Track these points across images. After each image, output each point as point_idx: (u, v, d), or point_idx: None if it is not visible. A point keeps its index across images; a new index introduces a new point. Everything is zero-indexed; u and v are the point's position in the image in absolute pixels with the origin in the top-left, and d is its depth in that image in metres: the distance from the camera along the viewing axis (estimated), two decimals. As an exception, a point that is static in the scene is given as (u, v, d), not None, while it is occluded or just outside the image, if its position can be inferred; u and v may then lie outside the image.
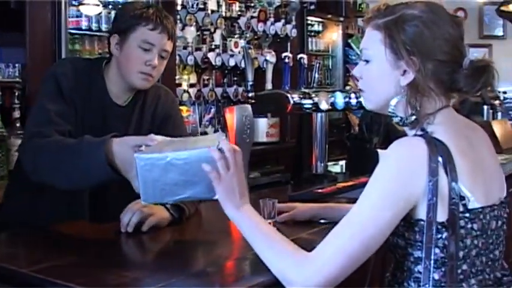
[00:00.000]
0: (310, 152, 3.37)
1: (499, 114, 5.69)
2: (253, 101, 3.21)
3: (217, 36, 5.46)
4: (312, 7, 6.29)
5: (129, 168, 1.98)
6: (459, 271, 1.61)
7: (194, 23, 5.14)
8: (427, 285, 1.60)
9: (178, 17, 4.96)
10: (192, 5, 5.11)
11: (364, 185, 3.14)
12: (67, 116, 2.31)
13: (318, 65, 4.17)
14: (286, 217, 2.24)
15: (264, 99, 3.25)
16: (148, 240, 2.12)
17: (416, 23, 1.67)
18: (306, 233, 2.14)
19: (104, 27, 4.43)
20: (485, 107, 5.35)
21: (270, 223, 2.12)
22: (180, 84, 5.18)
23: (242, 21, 5.64)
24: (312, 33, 6.91)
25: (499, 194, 1.72)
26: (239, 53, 5.51)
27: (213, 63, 5.37)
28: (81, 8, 4.34)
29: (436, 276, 1.60)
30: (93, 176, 2.05)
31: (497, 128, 4.34)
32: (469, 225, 1.61)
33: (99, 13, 4.43)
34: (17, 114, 3.80)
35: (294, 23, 5.98)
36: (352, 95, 3.45)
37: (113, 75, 2.45)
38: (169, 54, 2.46)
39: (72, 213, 2.36)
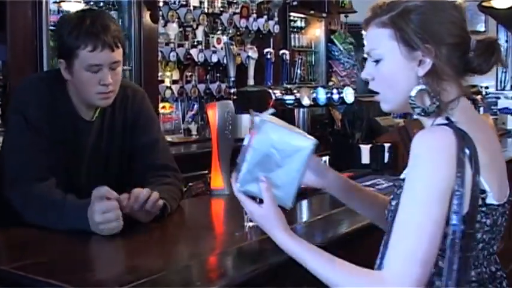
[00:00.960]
0: (292, 147, 3.37)
1: (481, 109, 5.72)
2: (235, 97, 3.22)
3: (199, 33, 5.46)
4: (295, 3, 6.30)
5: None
6: None
7: (176, 20, 5.14)
8: (448, 281, 1.59)
9: (160, 13, 4.96)
10: (174, 2, 5.10)
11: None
12: (42, 147, 2.30)
13: (300, 60, 4.18)
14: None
15: (245, 95, 3.25)
16: (130, 237, 2.11)
17: (422, 11, 1.65)
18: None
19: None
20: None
21: (250, 227, 2.12)
22: (162, 81, 5.18)
23: (224, 17, 5.64)
24: (295, 29, 6.91)
25: (507, 191, 1.71)
26: (222, 49, 5.51)
27: (196, 59, 5.37)
28: (62, 4, 4.33)
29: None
30: (78, 229, 2.08)
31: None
32: (484, 220, 1.61)
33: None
34: (-2, 110, 3.79)
35: (276, 19, 5.99)
36: (334, 91, 3.46)
37: (73, 95, 2.39)
38: (121, 61, 2.38)
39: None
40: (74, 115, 2.41)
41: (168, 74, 5.29)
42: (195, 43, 5.44)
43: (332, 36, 7.22)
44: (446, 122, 1.62)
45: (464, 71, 1.69)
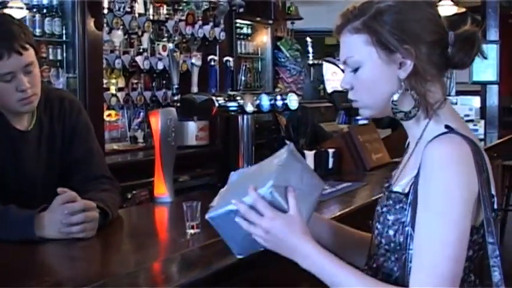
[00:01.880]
0: (237, 154, 3.38)
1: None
2: (178, 105, 3.22)
3: (145, 40, 5.43)
4: (241, 10, 6.29)
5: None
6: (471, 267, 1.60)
7: (121, 27, 5.10)
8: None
9: (105, 20, 4.92)
10: (119, 8, 5.06)
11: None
12: None
13: (244, 67, 4.19)
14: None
15: (189, 102, 3.25)
16: (73, 245, 2.10)
17: (395, 11, 1.59)
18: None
19: (28, 31, 4.36)
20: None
21: (193, 226, 2.14)
22: (108, 89, 5.13)
23: (170, 24, 5.62)
24: (241, 36, 6.93)
25: None
26: (167, 56, 5.49)
27: (141, 66, 5.34)
28: (5, 11, 4.26)
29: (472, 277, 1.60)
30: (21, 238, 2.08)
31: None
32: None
33: (23, 17, 4.35)
34: None
35: (222, 26, 5.98)
36: (278, 97, 3.48)
37: (1, 107, 2.36)
38: (35, 61, 2.31)
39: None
40: (6, 125, 2.37)
41: (113, 81, 5.25)
42: (141, 50, 5.41)
43: (278, 43, 7.26)
44: (446, 130, 1.57)
45: (445, 67, 1.64)
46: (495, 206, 1.57)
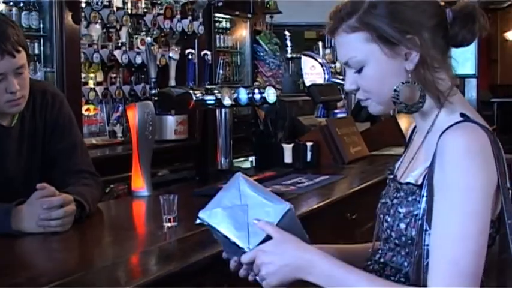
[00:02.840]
0: (215, 148, 3.39)
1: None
2: (156, 98, 3.22)
3: (123, 34, 5.42)
4: (220, 4, 6.30)
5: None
6: None
7: (99, 20, 5.09)
8: None
9: (82, 14, 4.90)
10: (97, 2, 5.03)
11: (268, 178, 3.19)
12: None
13: (222, 61, 4.20)
14: None
15: (166, 96, 3.25)
16: (50, 239, 2.10)
17: (389, 1, 1.51)
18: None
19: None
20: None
21: (169, 219, 2.15)
22: (86, 83, 5.11)
23: (148, 18, 5.61)
24: (220, 30, 6.92)
25: None
26: (146, 50, 5.48)
27: (120, 60, 5.33)
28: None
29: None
30: None
31: (402, 121, 4.45)
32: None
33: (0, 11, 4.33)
34: None
35: (201, 20, 5.98)
36: (256, 91, 3.50)
37: None
38: (26, 63, 2.30)
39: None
40: None
41: (91, 75, 5.23)
42: (119, 44, 5.39)
43: (257, 37, 7.26)
44: (462, 119, 1.49)
45: (448, 47, 1.56)
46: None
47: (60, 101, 2.53)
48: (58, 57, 4.63)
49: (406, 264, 1.55)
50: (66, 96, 2.64)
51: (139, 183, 2.78)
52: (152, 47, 5.00)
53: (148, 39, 5.45)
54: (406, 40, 1.49)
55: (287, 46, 7.30)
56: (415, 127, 1.71)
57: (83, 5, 4.94)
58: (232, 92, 3.31)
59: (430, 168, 1.48)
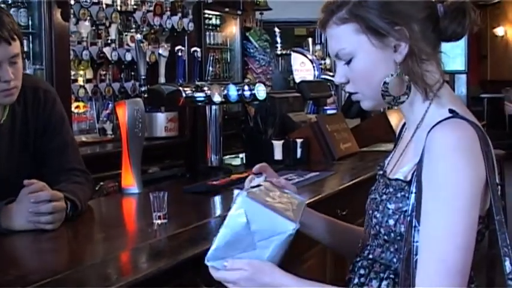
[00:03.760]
0: (205, 145, 3.39)
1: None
2: (145, 95, 3.21)
3: (112, 31, 5.39)
4: (210, 1, 6.28)
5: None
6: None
7: (88, 17, 5.07)
8: None
9: (72, 11, 4.88)
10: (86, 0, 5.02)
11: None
12: None
13: (212, 58, 4.19)
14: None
15: (156, 93, 3.25)
16: (40, 236, 2.10)
17: None
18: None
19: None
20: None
21: (159, 216, 2.15)
22: (76, 80, 5.09)
23: (138, 15, 5.58)
24: (210, 27, 6.91)
25: None
26: (135, 47, 5.46)
27: (109, 58, 5.30)
28: (-32, 2, 4.22)
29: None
30: None
31: (392, 117, 4.46)
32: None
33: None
34: None
35: (190, 16, 5.96)
36: (246, 87, 3.50)
37: None
38: (20, 53, 2.29)
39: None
40: None
41: (81, 73, 5.21)
42: (109, 41, 5.37)
43: (247, 34, 7.25)
44: (451, 114, 1.49)
45: (439, 41, 1.57)
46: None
47: (53, 99, 2.51)
48: (47, 55, 4.61)
49: (395, 260, 1.55)
50: (56, 94, 2.62)
51: (130, 181, 2.77)
52: (142, 44, 4.99)
53: (138, 36, 5.44)
54: (394, 31, 1.50)
55: (277, 43, 7.31)
56: (404, 123, 1.70)
57: (72, 2, 4.92)
58: (222, 88, 3.31)
59: (419, 165, 1.47)
